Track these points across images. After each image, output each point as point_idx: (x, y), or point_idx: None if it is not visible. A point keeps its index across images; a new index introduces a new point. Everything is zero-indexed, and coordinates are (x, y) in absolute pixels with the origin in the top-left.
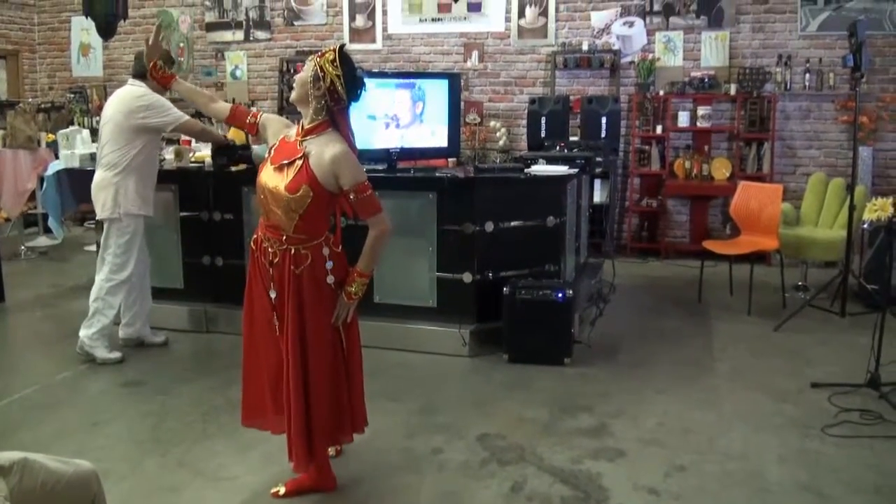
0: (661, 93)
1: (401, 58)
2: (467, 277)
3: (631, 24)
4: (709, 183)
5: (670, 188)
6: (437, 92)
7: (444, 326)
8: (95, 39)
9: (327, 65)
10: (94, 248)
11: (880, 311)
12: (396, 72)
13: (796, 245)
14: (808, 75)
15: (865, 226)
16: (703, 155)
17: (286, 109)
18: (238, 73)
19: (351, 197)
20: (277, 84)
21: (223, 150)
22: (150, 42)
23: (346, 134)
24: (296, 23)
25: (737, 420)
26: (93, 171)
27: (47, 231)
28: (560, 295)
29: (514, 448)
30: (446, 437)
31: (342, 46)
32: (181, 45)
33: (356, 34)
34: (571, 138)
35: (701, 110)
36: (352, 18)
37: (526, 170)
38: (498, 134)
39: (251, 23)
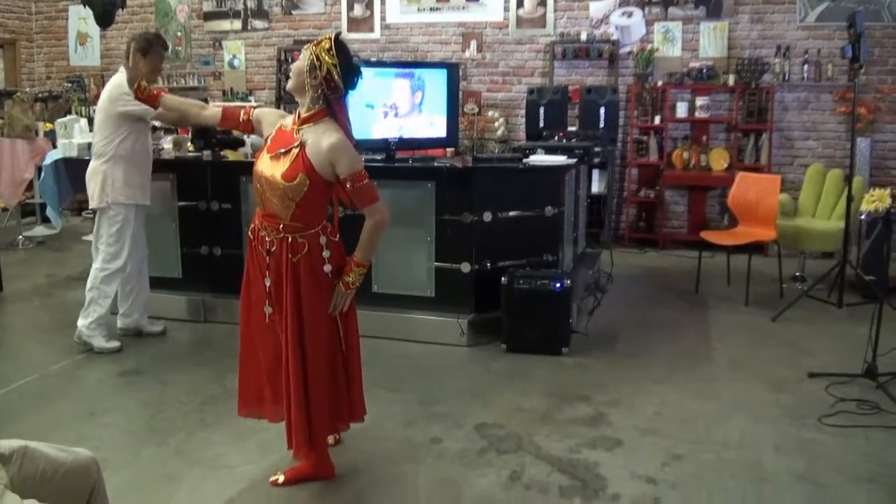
0: (660, 83)
1: (399, 47)
2: (465, 267)
3: (630, 15)
4: (707, 173)
5: (668, 178)
6: (435, 82)
7: (442, 316)
8: (93, 28)
9: (323, 53)
10: (91, 237)
11: (877, 301)
12: (396, 61)
13: (794, 236)
14: (806, 66)
15: (863, 217)
16: (702, 145)
17: (284, 99)
18: (236, 62)
19: (348, 186)
20: (275, 73)
21: (201, 132)
22: (129, 65)
23: (343, 123)
24: (294, 12)
25: (734, 410)
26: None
27: (45, 220)
28: (558, 285)
29: (512, 437)
30: (444, 427)
31: (338, 34)
32: (178, 34)
33: (354, 23)
34: (570, 128)
35: (699, 101)
36: (350, 8)
37: (524, 160)
38: (496, 124)
39: (249, 12)
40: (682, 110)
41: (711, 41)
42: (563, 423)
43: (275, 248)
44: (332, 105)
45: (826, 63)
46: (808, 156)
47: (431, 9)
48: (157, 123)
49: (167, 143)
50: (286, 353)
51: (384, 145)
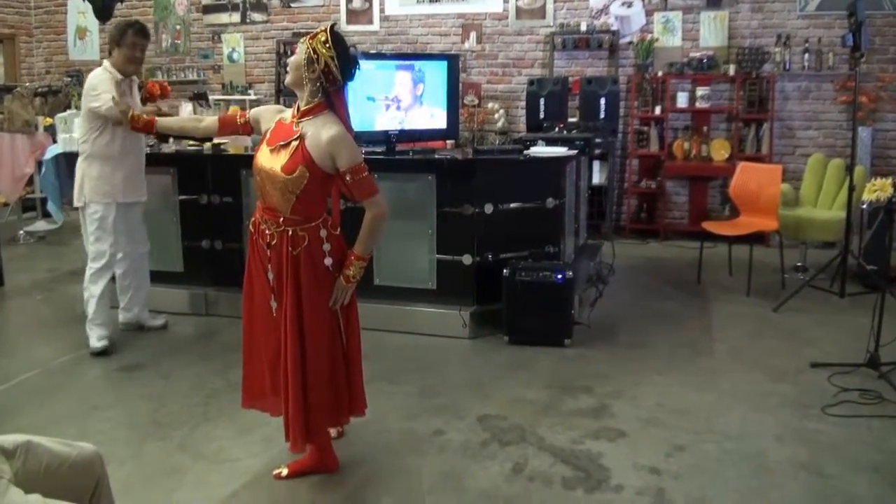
0: (660, 73)
1: (398, 39)
2: (467, 259)
3: (629, 5)
4: (708, 164)
5: (669, 169)
6: (435, 74)
7: (444, 308)
8: (92, 23)
9: (320, 46)
10: None
11: (879, 291)
12: (396, 53)
13: (795, 226)
14: (807, 55)
15: (865, 206)
16: (702, 136)
17: (283, 92)
18: (235, 55)
19: (347, 178)
20: (274, 67)
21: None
22: (115, 100)
23: (342, 115)
24: (292, 4)
25: (736, 400)
26: None
27: (46, 215)
28: (560, 276)
29: (515, 429)
30: (447, 419)
31: (332, 26)
32: (177, 27)
33: (353, 16)
34: (570, 120)
35: (700, 91)
36: (349, 0)
37: (525, 151)
38: (496, 116)
39: (248, 5)
40: (682, 100)
41: (712, 31)
42: (566, 415)
43: (275, 241)
44: (331, 97)
45: (827, 52)
46: (809, 145)
47: (431, 0)
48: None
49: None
50: (285, 346)
51: (384, 138)
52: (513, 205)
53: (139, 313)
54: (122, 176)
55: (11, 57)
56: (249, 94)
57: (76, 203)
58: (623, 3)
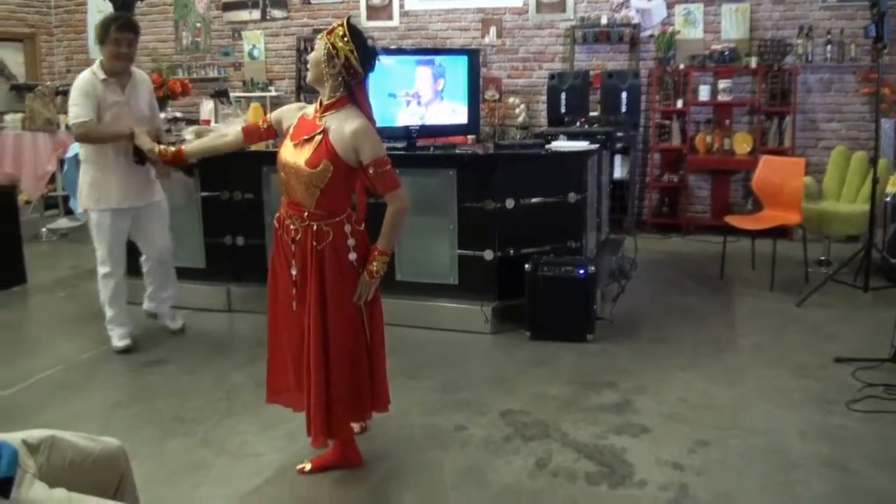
0: (682, 66)
1: (418, 35)
2: (488, 254)
3: None
4: (730, 157)
5: (691, 163)
6: (456, 69)
7: (465, 304)
8: None
9: (338, 41)
10: None
11: None
12: (416, 48)
13: (819, 219)
14: (829, 47)
15: (888, 199)
16: (725, 129)
17: (304, 88)
18: (255, 52)
19: (370, 171)
20: (295, 63)
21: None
22: (143, 147)
23: (364, 108)
24: (312, 1)
25: (759, 396)
26: None
27: (68, 213)
28: (582, 271)
29: (538, 424)
30: (469, 414)
31: (349, 19)
32: (198, 25)
33: (373, 11)
34: (591, 113)
35: (721, 84)
36: None
37: (546, 146)
38: (517, 110)
39: (268, 2)
40: (704, 93)
41: (733, 23)
42: (589, 410)
43: (300, 236)
44: (353, 90)
45: (849, 43)
46: (831, 138)
47: None
48: (177, 114)
49: (189, 135)
50: (308, 341)
51: (405, 133)
52: (534, 199)
53: (159, 308)
54: (115, 181)
55: (32, 56)
56: (270, 91)
57: (78, 210)
58: None
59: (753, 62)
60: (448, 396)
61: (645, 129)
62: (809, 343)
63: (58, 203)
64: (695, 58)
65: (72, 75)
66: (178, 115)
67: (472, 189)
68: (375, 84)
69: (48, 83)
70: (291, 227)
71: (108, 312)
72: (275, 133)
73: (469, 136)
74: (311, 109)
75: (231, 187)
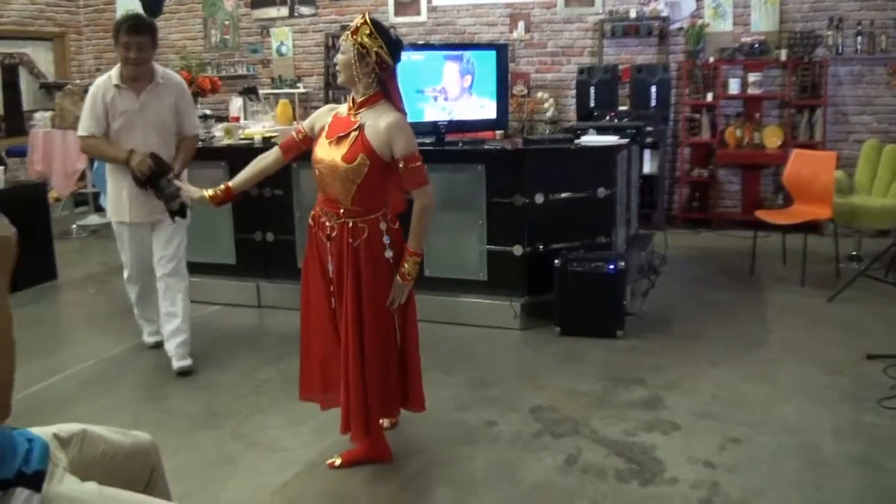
0: (711, 59)
1: (446, 30)
2: (518, 250)
3: None
4: (760, 151)
5: (721, 157)
6: (484, 64)
7: (494, 299)
8: None
9: (366, 39)
10: None
11: None
12: (444, 43)
13: (850, 214)
14: (859, 38)
15: None
16: (755, 123)
17: (332, 85)
18: (283, 49)
19: (401, 165)
20: (323, 59)
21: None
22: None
23: (397, 102)
24: None
25: (791, 392)
26: None
27: (98, 210)
28: (612, 267)
29: (568, 420)
30: (499, 410)
31: (368, 15)
32: (226, 22)
33: (401, 7)
34: (621, 108)
35: (751, 77)
36: None
37: (575, 140)
38: (546, 105)
39: None
40: (734, 87)
41: (763, 15)
42: (619, 407)
43: (335, 233)
44: (385, 84)
45: (879, 34)
46: (862, 131)
47: None
48: (207, 111)
49: (219, 131)
50: (345, 338)
51: (433, 128)
52: (563, 195)
53: (166, 342)
54: (126, 196)
55: (62, 55)
56: (298, 88)
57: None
58: None
59: (783, 55)
60: (478, 392)
61: (674, 124)
62: (841, 339)
63: (88, 200)
64: (724, 51)
65: (101, 74)
66: (208, 112)
67: (501, 184)
68: (403, 80)
69: (77, 81)
70: (327, 223)
71: (136, 311)
72: (310, 141)
73: (497, 132)
74: (343, 108)
75: (261, 183)
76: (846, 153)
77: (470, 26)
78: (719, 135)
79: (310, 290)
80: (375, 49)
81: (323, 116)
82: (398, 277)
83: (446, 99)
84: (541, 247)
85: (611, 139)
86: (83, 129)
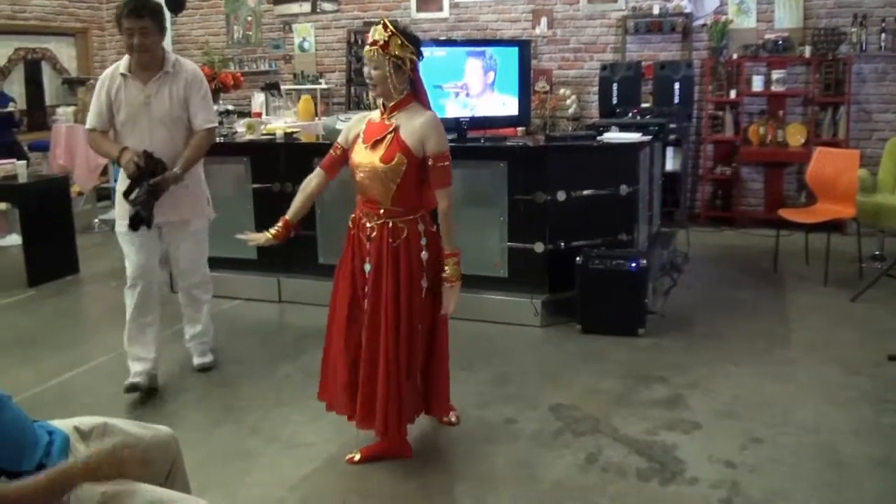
0: (735, 56)
1: (468, 26)
2: (539, 247)
3: None
4: (783, 149)
5: (744, 155)
6: (507, 60)
7: (515, 296)
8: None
9: (400, 51)
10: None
11: None
12: (466, 40)
13: (874, 213)
14: (883, 35)
15: None
16: (778, 120)
17: (354, 81)
18: (306, 45)
19: (430, 163)
20: (345, 55)
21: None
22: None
23: (426, 101)
24: None
25: (812, 393)
26: None
27: None
28: (633, 265)
29: (588, 419)
30: (519, 408)
31: (387, 21)
32: (249, 18)
33: (423, 3)
34: (643, 105)
35: (775, 74)
36: None
37: (598, 137)
38: (568, 101)
39: None
40: (757, 84)
41: (787, 11)
42: (640, 405)
43: (375, 233)
44: (414, 84)
45: None
46: (886, 129)
47: None
48: (229, 107)
49: (241, 127)
50: (385, 336)
51: (455, 125)
52: (585, 192)
53: (189, 343)
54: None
55: (84, 50)
56: (320, 84)
57: None
58: None
59: (807, 51)
60: (498, 389)
61: (697, 121)
62: (863, 340)
63: (110, 194)
64: (748, 47)
65: None
66: (230, 107)
67: (522, 181)
68: (425, 76)
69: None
70: (367, 224)
71: (127, 335)
72: (347, 153)
73: (519, 128)
74: (375, 115)
75: (282, 179)
76: (870, 151)
77: (492, 22)
78: (742, 132)
79: (338, 295)
80: (409, 57)
81: (356, 126)
82: (445, 283)
83: (468, 95)
84: (562, 244)
85: (633, 136)
86: (88, 122)
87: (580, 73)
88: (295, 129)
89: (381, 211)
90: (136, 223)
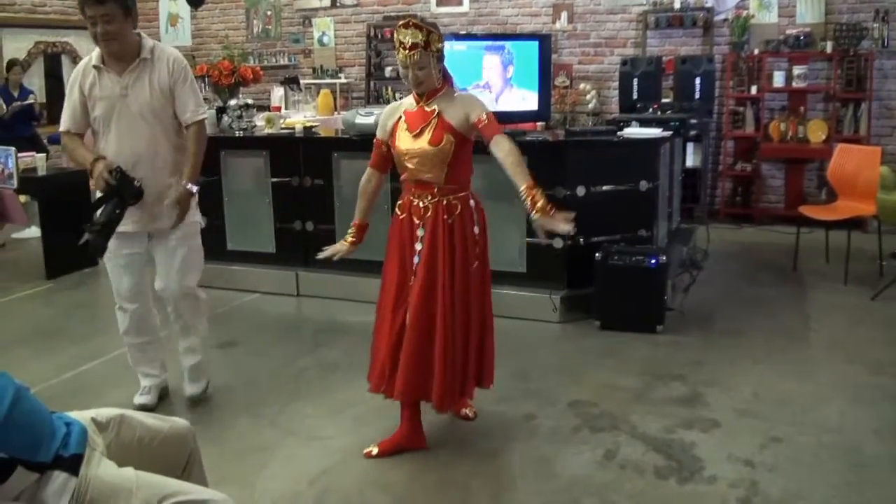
0: (756, 52)
1: (488, 20)
2: (558, 243)
3: None
4: (804, 145)
5: (765, 151)
6: (526, 54)
7: (534, 292)
8: (184, 9)
9: (438, 42)
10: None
11: None
12: (486, 34)
13: (895, 210)
14: None
15: None
16: (799, 116)
17: (374, 76)
18: (325, 39)
19: (483, 120)
20: (365, 50)
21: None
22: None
23: (452, 82)
24: None
25: (833, 392)
26: None
27: None
28: (653, 261)
29: (607, 415)
30: (538, 404)
31: (416, 18)
32: (268, 13)
33: None
34: (664, 100)
35: (796, 70)
36: None
37: (618, 133)
38: (588, 97)
39: None
40: (779, 80)
41: (808, 6)
42: (659, 403)
43: (430, 212)
44: (444, 71)
45: None
46: None
47: None
48: (249, 101)
49: (260, 120)
50: (443, 310)
51: None
52: (605, 187)
53: (181, 361)
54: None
55: None
56: (340, 78)
57: None
58: None
59: (829, 47)
60: (517, 385)
61: (718, 117)
62: (884, 338)
63: None
64: (769, 43)
65: None
66: (250, 101)
67: (542, 176)
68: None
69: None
70: (421, 204)
71: (129, 355)
72: (388, 147)
73: (539, 123)
74: (408, 104)
75: (301, 173)
76: (891, 148)
77: (512, 17)
78: (763, 128)
79: (387, 282)
80: (443, 45)
81: (391, 117)
82: (539, 214)
83: (490, 91)
84: (581, 240)
85: (654, 132)
86: (61, 124)
87: (600, 68)
88: (314, 124)
89: (436, 189)
90: (93, 249)
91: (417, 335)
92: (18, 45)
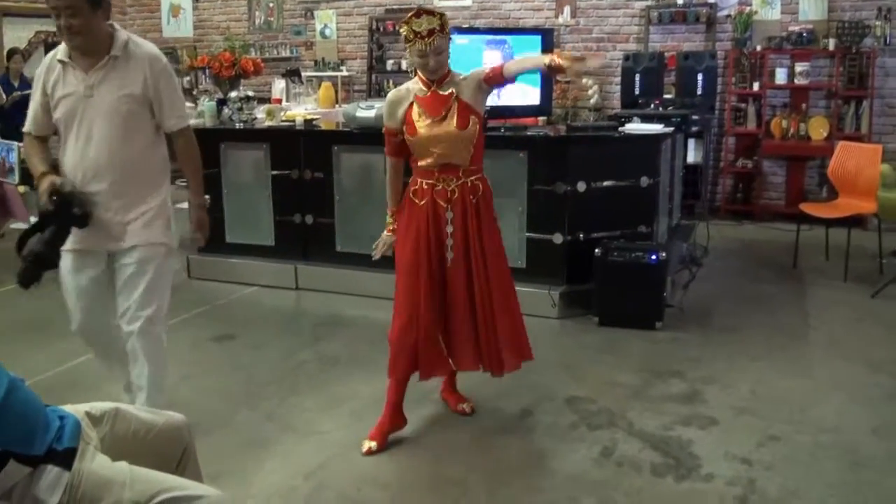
0: (759, 48)
1: (490, 14)
2: (558, 238)
3: None
4: (806, 143)
5: (766, 148)
6: (529, 49)
7: (533, 287)
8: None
9: (448, 25)
10: (185, 205)
11: None
12: (488, 28)
13: (895, 208)
14: None
15: None
16: (801, 113)
17: (375, 69)
18: (327, 31)
19: (487, 69)
20: (367, 42)
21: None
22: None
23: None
24: None
25: (831, 390)
26: None
27: None
28: (653, 257)
29: (604, 412)
30: (535, 399)
31: (425, 5)
32: (271, 4)
33: None
34: (666, 96)
35: (799, 66)
36: None
37: (619, 128)
38: (590, 92)
39: None
40: (781, 76)
41: (811, 3)
42: (657, 400)
43: (457, 194)
44: None
45: None
46: None
47: None
48: (250, 93)
49: (261, 113)
50: (482, 286)
51: None
52: (606, 183)
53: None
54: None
55: None
56: (342, 71)
57: None
58: None
59: (831, 44)
60: (514, 381)
61: (720, 113)
62: (884, 337)
63: None
64: (772, 39)
65: None
66: (251, 94)
67: (542, 171)
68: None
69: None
70: (446, 188)
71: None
72: (401, 134)
73: (540, 118)
74: (417, 88)
75: (301, 166)
76: (892, 146)
77: (515, 11)
78: (765, 125)
79: (404, 270)
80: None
81: (400, 104)
82: (568, 63)
83: None
84: (581, 235)
85: (655, 127)
86: (25, 124)
87: (602, 63)
88: (315, 116)
89: (461, 171)
90: (25, 280)
91: (465, 312)
92: (19, 33)
